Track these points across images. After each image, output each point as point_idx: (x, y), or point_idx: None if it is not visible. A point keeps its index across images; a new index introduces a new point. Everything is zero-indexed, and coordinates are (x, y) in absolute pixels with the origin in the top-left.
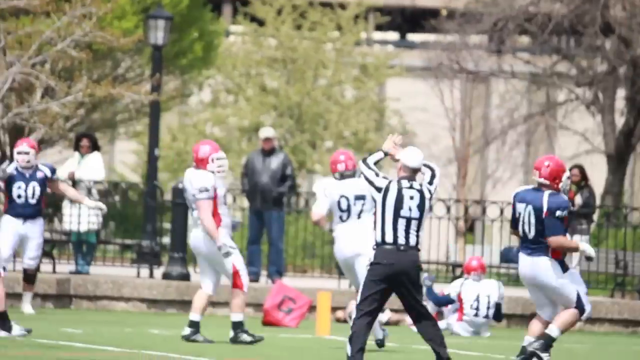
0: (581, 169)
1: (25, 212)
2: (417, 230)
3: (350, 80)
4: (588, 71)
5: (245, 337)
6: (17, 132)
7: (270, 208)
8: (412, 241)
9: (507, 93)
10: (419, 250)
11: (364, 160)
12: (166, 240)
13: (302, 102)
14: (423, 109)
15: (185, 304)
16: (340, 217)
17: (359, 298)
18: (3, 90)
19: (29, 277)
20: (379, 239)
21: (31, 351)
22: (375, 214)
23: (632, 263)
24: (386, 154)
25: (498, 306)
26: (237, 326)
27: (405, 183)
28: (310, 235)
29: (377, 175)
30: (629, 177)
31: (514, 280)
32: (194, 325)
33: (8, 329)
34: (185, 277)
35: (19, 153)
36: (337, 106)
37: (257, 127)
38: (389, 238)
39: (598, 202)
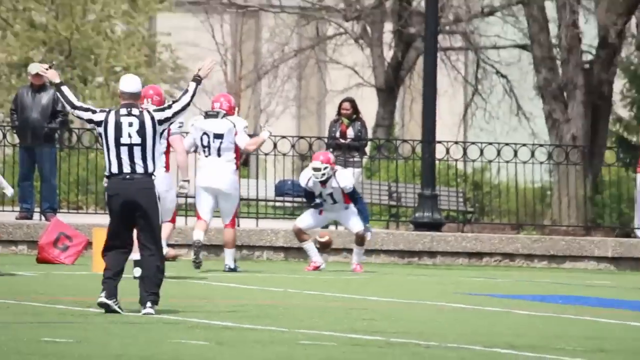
0: (352, 103)
1: None
2: (144, 157)
3: (119, 15)
4: (355, 5)
5: None
6: None
7: (42, 144)
8: (139, 169)
9: (277, 27)
10: (150, 175)
11: (74, 107)
12: None
13: (72, 38)
14: (194, 44)
15: None
16: (203, 152)
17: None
18: None
19: None
20: (108, 171)
21: None
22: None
23: (404, 194)
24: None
25: None
26: None
27: (123, 111)
28: (84, 171)
29: (93, 112)
30: (399, 110)
31: (289, 214)
32: None
33: None
34: None
35: None
36: (107, 41)
37: (26, 63)
38: (115, 168)
39: (370, 135)
